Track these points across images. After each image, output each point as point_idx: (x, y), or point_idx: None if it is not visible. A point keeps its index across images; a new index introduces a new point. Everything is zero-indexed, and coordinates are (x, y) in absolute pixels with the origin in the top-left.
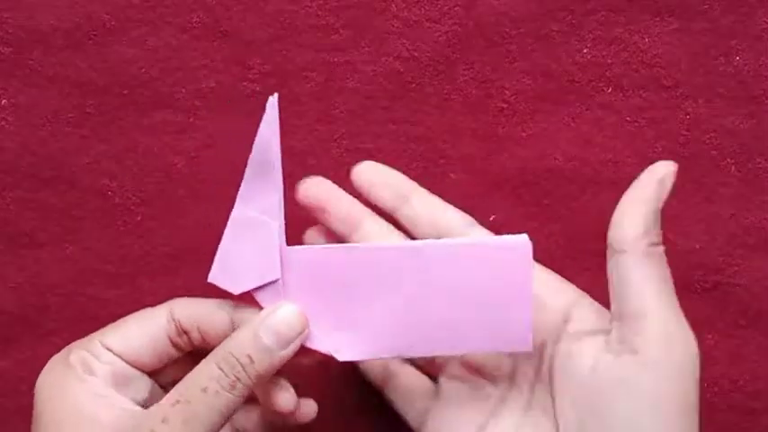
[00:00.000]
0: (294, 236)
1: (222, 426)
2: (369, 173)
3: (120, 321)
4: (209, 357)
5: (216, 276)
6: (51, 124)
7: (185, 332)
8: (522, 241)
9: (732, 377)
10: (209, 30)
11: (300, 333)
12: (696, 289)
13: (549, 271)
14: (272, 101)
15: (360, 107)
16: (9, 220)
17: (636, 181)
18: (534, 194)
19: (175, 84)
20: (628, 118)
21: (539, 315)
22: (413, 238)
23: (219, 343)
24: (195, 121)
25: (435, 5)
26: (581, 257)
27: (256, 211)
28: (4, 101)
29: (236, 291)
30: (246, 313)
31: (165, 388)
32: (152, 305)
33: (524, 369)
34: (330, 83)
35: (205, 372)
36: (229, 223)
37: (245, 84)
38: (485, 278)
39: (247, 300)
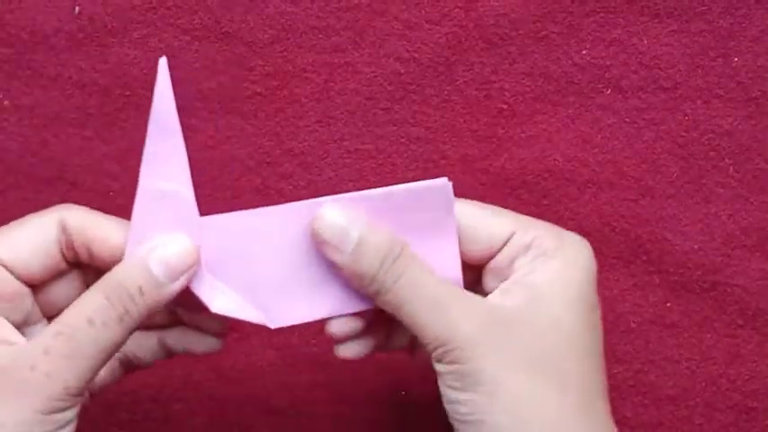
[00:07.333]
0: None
1: (107, 360)
2: None
3: (4, 228)
4: (96, 286)
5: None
6: (53, 125)
7: (73, 248)
8: (441, 184)
9: (730, 377)
10: (210, 31)
11: (191, 266)
12: (694, 289)
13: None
14: (162, 62)
15: (360, 108)
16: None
17: None
18: (534, 194)
19: (176, 85)
20: (627, 119)
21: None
22: None
23: (106, 263)
24: (196, 122)
25: (435, 7)
26: None
27: (164, 178)
28: (6, 102)
29: None
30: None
31: (43, 309)
32: None
33: None
34: (330, 84)
35: (91, 302)
36: (139, 195)
37: (245, 85)
38: (409, 223)
39: None
